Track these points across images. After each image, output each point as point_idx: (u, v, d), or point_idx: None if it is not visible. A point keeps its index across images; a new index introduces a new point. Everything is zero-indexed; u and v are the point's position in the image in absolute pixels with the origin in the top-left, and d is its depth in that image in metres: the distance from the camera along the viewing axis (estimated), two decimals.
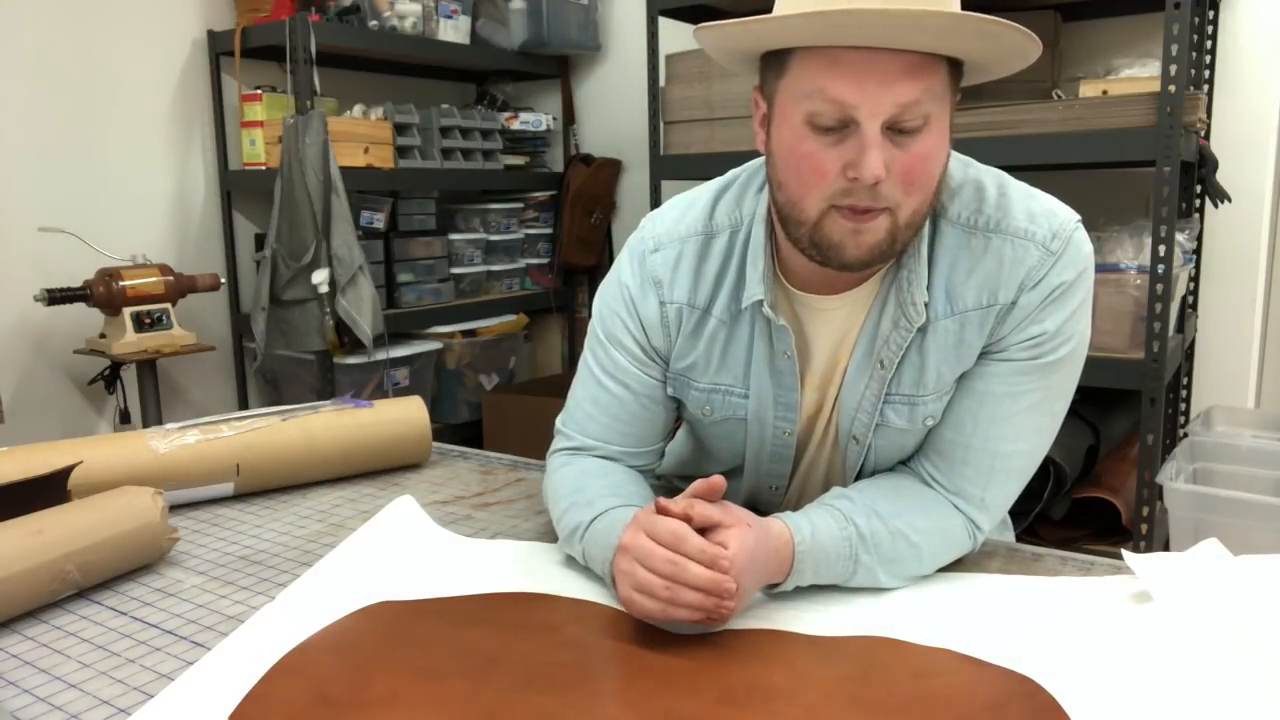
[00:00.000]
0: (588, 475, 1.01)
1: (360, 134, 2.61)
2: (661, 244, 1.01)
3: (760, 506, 1.11)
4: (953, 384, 0.95)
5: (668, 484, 1.28)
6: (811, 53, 0.81)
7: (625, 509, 0.92)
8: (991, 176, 0.94)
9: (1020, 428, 0.93)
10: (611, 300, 1.04)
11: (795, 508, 0.95)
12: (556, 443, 1.09)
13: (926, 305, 0.91)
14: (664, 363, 1.03)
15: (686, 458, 1.20)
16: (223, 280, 2.51)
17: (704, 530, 0.81)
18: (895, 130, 0.81)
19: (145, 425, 2.33)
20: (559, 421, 1.10)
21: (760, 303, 0.94)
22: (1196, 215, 2.34)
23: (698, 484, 0.84)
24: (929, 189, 0.85)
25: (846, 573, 0.90)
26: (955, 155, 0.94)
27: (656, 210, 1.06)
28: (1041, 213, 0.91)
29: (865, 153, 0.80)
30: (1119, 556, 0.95)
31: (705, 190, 1.03)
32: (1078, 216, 0.92)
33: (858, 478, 1.01)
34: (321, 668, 0.78)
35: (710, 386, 1.01)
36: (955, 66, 0.84)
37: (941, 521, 0.94)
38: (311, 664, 0.78)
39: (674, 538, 0.79)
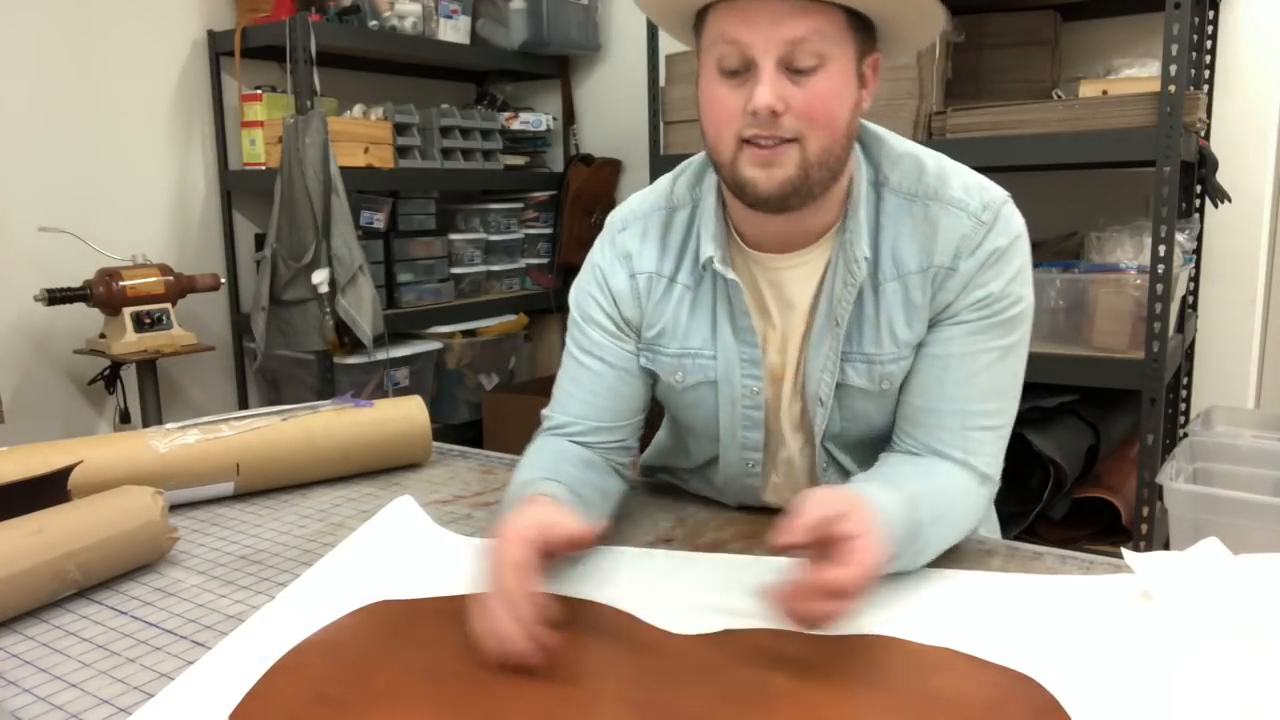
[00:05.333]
0: (541, 453, 1.06)
1: (360, 134, 2.61)
2: (629, 222, 1.10)
3: (740, 495, 1.15)
4: (910, 350, 1.00)
5: (651, 475, 1.30)
6: (719, 6, 0.91)
7: (547, 483, 0.97)
8: (930, 153, 1.02)
9: (983, 388, 0.99)
10: (585, 283, 1.11)
11: (775, 492, 1.07)
12: (538, 435, 1.12)
13: (868, 260, 0.98)
14: (636, 335, 1.09)
15: (666, 447, 1.25)
16: (223, 280, 2.51)
17: (829, 541, 0.77)
18: (792, 69, 0.89)
19: (145, 425, 2.33)
20: (544, 411, 1.14)
21: (711, 259, 1.01)
22: (1196, 215, 2.34)
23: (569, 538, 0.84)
24: (834, 128, 0.92)
25: (912, 551, 0.90)
26: (892, 137, 1.03)
27: (622, 204, 1.15)
28: (975, 186, 0.99)
29: (759, 85, 0.88)
30: (1119, 556, 0.95)
31: (668, 174, 1.12)
32: (1008, 194, 1.00)
33: (824, 444, 1.06)
34: (321, 667, 0.78)
35: (680, 351, 1.07)
36: (859, 20, 0.92)
37: (948, 477, 0.98)
38: (311, 663, 0.78)
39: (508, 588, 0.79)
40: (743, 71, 0.90)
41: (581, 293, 1.11)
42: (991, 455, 1.00)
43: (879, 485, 0.90)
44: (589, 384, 1.09)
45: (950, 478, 0.98)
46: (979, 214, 0.97)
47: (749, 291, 1.03)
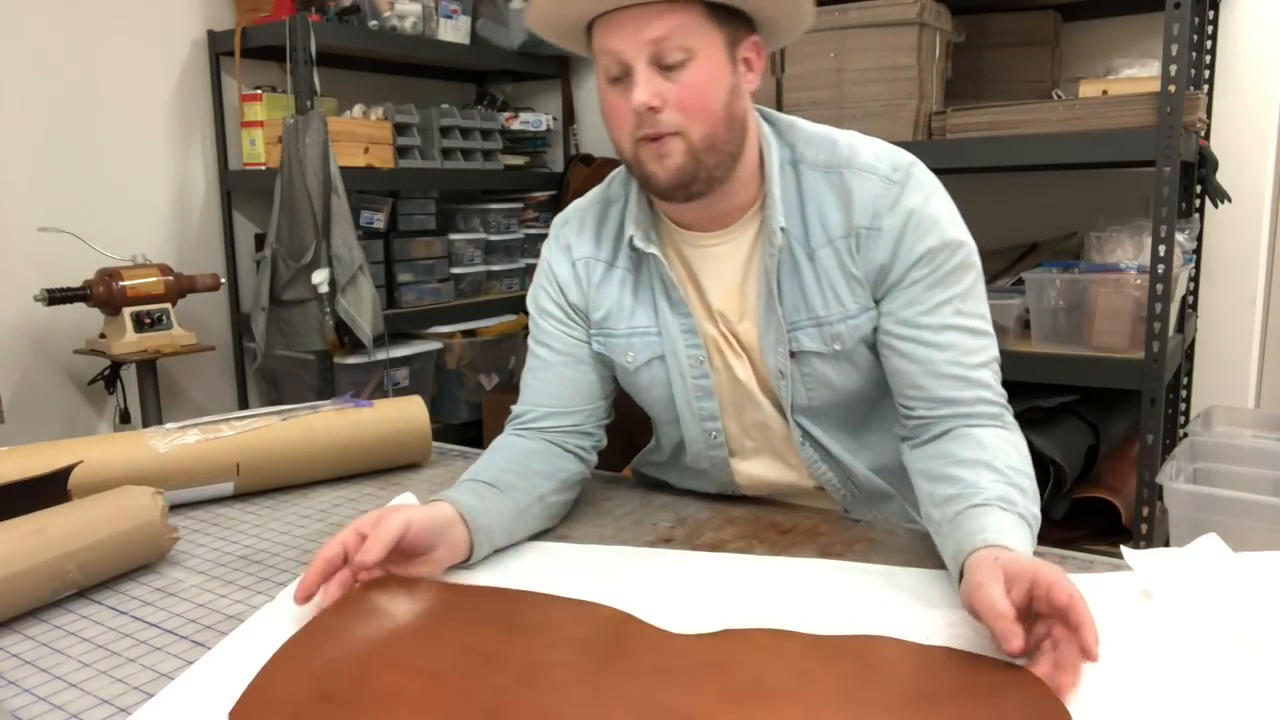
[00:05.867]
0: (489, 452, 1.13)
1: (360, 134, 2.61)
2: (569, 218, 1.20)
3: (716, 473, 1.19)
4: (858, 312, 1.06)
5: (644, 479, 1.32)
6: (598, 22, 1.00)
7: (465, 484, 1.04)
8: (842, 132, 1.10)
9: (960, 331, 1.03)
10: (536, 279, 1.20)
11: (743, 456, 1.17)
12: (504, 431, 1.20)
13: (784, 230, 1.05)
14: (585, 320, 1.17)
15: (649, 447, 1.30)
16: (223, 280, 2.51)
17: (1036, 598, 0.76)
18: (664, 66, 0.97)
19: (145, 425, 2.33)
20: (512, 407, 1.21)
21: (633, 237, 1.10)
22: (1196, 215, 2.34)
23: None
24: (711, 115, 0.99)
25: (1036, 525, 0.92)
26: (804, 121, 1.11)
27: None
28: (885, 153, 1.06)
29: (635, 86, 0.97)
30: (1119, 556, 0.95)
31: (610, 176, 1.21)
32: (914, 159, 1.07)
33: (796, 421, 1.12)
34: (321, 658, 0.77)
35: (628, 330, 1.14)
36: (724, 9, 0.99)
37: (995, 442, 0.98)
38: (312, 653, 0.78)
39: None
40: (624, 77, 0.99)
41: (535, 289, 1.20)
42: (998, 388, 1.04)
43: (997, 513, 0.88)
44: (542, 372, 1.17)
45: (996, 440, 0.98)
46: (889, 175, 1.04)
47: (682, 267, 1.12)
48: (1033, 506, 0.92)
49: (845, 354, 1.08)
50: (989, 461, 0.95)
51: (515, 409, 1.19)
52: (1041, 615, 0.76)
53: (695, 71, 0.98)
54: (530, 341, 1.19)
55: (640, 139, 1.00)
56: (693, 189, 1.02)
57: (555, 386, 1.16)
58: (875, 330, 1.07)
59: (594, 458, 1.19)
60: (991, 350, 1.05)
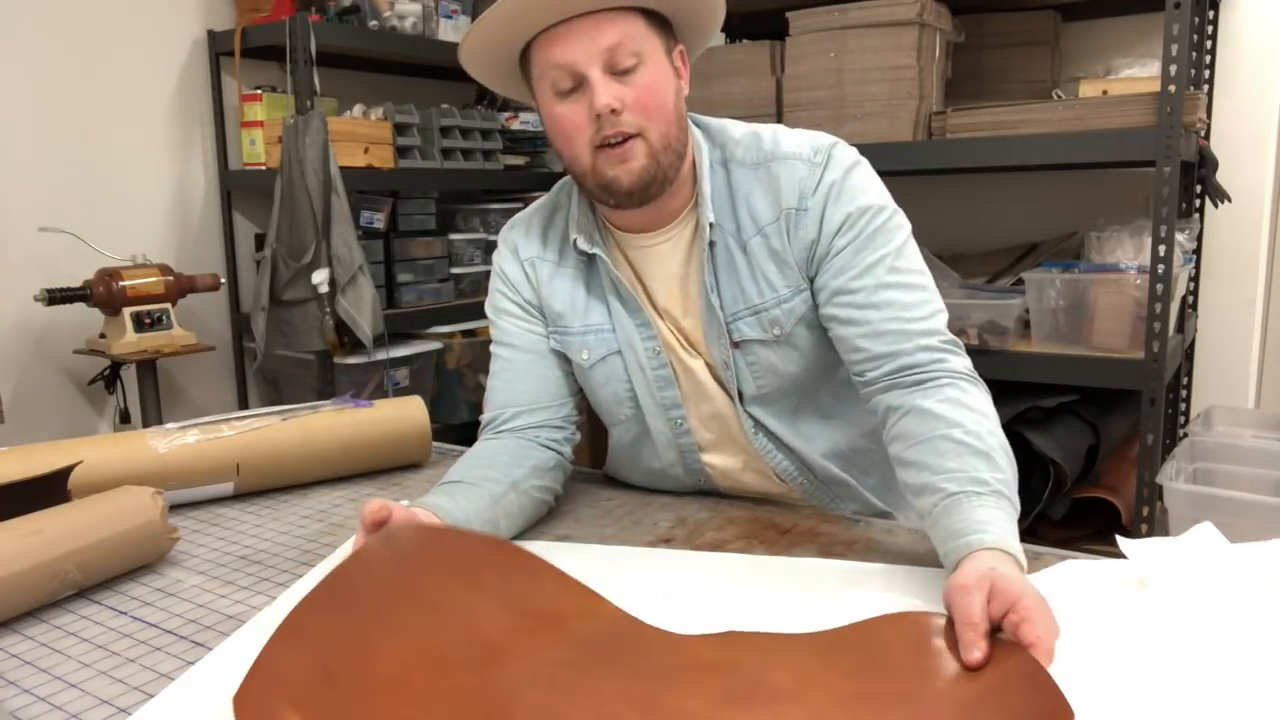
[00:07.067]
0: (458, 462, 1.12)
1: (360, 134, 2.61)
2: (515, 224, 1.24)
3: (684, 461, 1.20)
4: (791, 294, 1.09)
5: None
6: (537, 42, 1.02)
7: (441, 488, 1.04)
8: (767, 127, 1.14)
9: (897, 288, 1.04)
10: (491, 286, 1.24)
11: (706, 446, 1.18)
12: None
13: (714, 225, 1.09)
14: (541, 315, 1.20)
15: (611, 449, 1.30)
16: (223, 280, 2.51)
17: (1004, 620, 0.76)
18: (617, 72, 1.01)
19: (145, 425, 2.33)
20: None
21: (576, 241, 1.14)
22: (1196, 215, 2.34)
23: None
24: (666, 114, 1.03)
25: (1012, 494, 0.91)
26: (732, 122, 1.15)
27: None
28: (805, 139, 1.10)
29: (594, 91, 1.00)
30: (1119, 556, 0.95)
31: (556, 185, 1.24)
32: (836, 139, 1.10)
33: (747, 411, 1.14)
34: (326, 631, 0.75)
35: (583, 328, 1.17)
36: (657, 18, 1.04)
37: (958, 399, 0.98)
38: (317, 626, 0.75)
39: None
40: (576, 88, 1.02)
41: (491, 294, 1.23)
42: (945, 333, 1.04)
43: (973, 505, 0.87)
44: (506, 374, 1.20)
45: (957, 397, 0.97)
46: (811, 158, 1.08)
47: (628, 266, 1.16)
48: (1002, 466, 0.91)
49: (785, 338, 1.11)
50: (948, 435, 0.93)
51: (485, 417, 1.20)
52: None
53: (647, 74, 1.02)
54: (493, 347, 1.22)
55: (599, 146, 1.02)
56: (651, 191, 1.05)
57: (522, 384, 1.19)
58: (815, 310, 1.09)
59: (569, 451, 1.20)
60: (933, 304, 1.06)
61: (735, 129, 1.14)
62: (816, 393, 1.17)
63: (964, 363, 1.03)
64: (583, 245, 1.13)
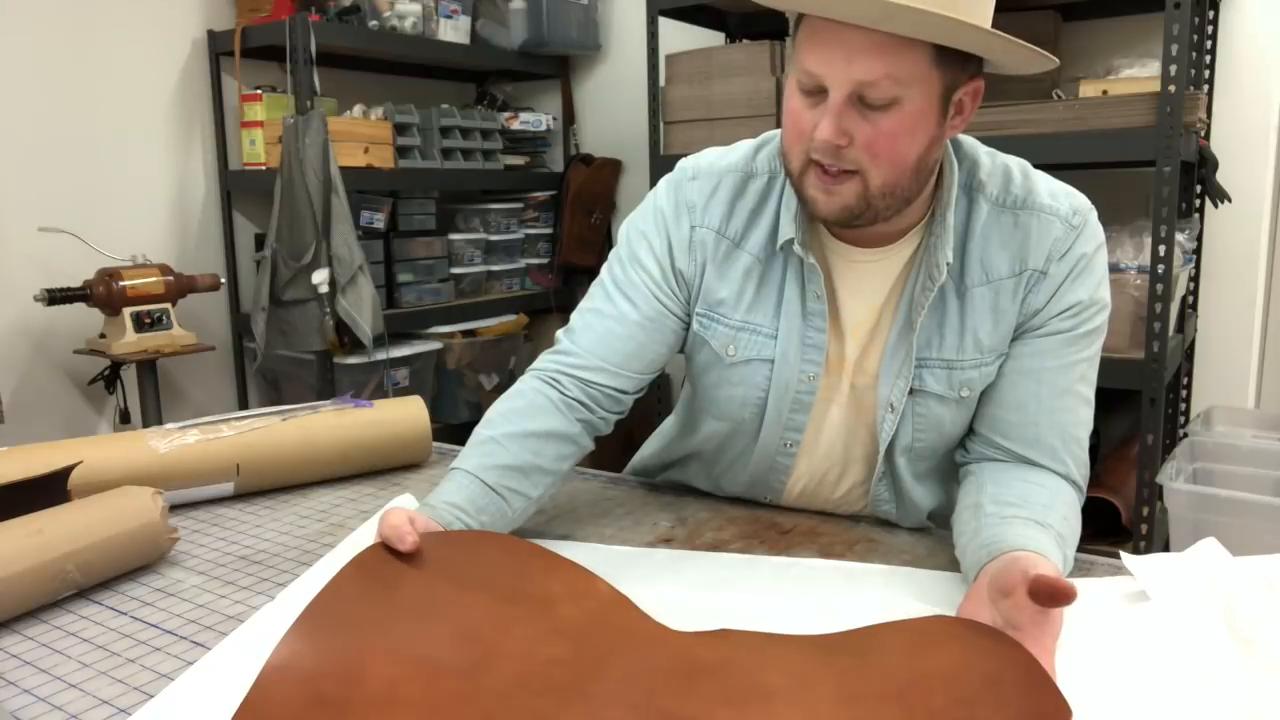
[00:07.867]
0: (504, 417, 1.02)
1: (360, 134, 2.61)
2: (700, 174, 1.07)
3: (759, 473, 1.13)
4: (992, 357, 0.99)
5: (647, 475, 1.30)
6: (807, 21, 0.89)
7: (475, 471, 0.97)
8: (1016, 163, 1.03)
9: (1077, 398, 0.99)
10: (642, 223, 1.08)
11: (804, 473, 1.09)
12: (541, 357, 1.08)
13: (950, 265, 0.97)
14: (685, 291, 1.07)
15: (671, 434, 1.24)
16: (223, 280, 2.51)
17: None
18: (864, 104, 0.87)
19: (145, 425, 2.33)
20: (559, 333, 1.10)
21: (791, 241, 1.00)
22: (1196, 215, 2.34)
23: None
24: (900, 165, 0.90)
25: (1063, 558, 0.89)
26: (982, 146, 1.03)
27: (695, 154, 1.10)
28: (1062, 193, 1.00)
29: (824, 117, 0.88)
30: (1119, 556, 0.95)
31: (747, 140, 1.09)
32: (1089, 203, 1.01)
33: (889, 455, 1.05)
34: (315, 658, 0.75)
35: (740, 324, 1.05)
36: (954, 53, 0.88)
37: (1063, 495, 0.96)
38: (304, 655, 0.75)
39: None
40: (816, 94, 0.89)
41: (634, 231, 1.08)
42: (1085, 465, 1.01)
43: (1036, 530, 0.87)
44: (611, 322, 1.06)
45: (1064, 496, 0.96)
46: (1069, 218, 0.98)
47: (823, 276, 1.01)
48: (1068, 543, 0.90)
49: (967, 400, 1.01)
50: (1060, 502, 0.93)
51: (565, 344, 1.07)
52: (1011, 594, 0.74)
53: (897, 119, 0.87)
54: (608, 282, 1.07)
55: (812, 161, 0.91)
56: (854, 224, 0.94)
57: (622, 344, 1.05)
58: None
59: (612, 423, 1.09)
60: (1089, 425, 1.01)
61: (982, 152, 1.02)
62: (952, 453, 1.08)
63: (1082, 474, 1.00)
64: (798, 250, 0.99)
